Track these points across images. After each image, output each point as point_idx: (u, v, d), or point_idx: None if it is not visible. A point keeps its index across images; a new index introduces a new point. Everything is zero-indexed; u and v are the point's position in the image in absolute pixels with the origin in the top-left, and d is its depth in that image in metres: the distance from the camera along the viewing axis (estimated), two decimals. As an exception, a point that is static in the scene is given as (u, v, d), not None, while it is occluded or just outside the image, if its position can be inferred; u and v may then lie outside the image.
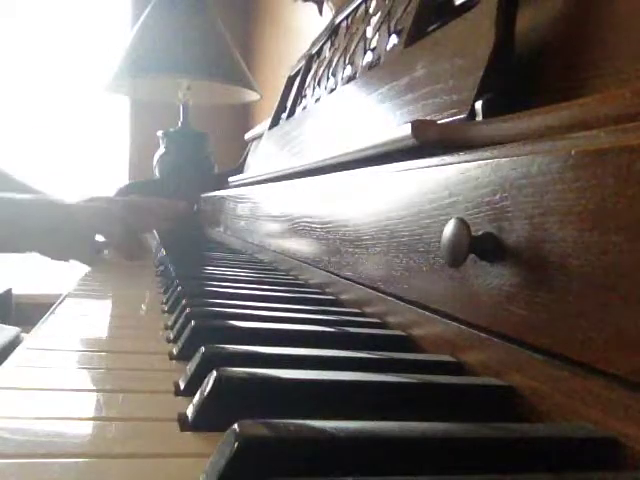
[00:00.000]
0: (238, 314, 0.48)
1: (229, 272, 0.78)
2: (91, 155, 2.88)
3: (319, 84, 0.97)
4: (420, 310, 0.42)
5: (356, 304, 0.55)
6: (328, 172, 0.66)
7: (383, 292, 0.49)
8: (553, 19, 0.45)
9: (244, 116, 2.82)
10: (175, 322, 0.49)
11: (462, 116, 0.44)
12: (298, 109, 1.08)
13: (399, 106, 0.57)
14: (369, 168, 0.54)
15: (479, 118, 0.43)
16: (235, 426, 0.23)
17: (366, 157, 0.55)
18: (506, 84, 0.44)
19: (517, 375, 0.32)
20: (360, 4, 0.85)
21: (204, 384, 0.30)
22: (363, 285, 0.53)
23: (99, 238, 0.98)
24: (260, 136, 1.47)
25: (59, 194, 0.99)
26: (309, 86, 1.04)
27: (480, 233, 0.34)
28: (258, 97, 1.95)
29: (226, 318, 0.46)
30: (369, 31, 0.77)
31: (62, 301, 0.63)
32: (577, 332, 0.27)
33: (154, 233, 1.41)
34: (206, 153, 1.96)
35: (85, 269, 0.94)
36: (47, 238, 0.89)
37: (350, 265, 0.57)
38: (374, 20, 0.76)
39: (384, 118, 0.61)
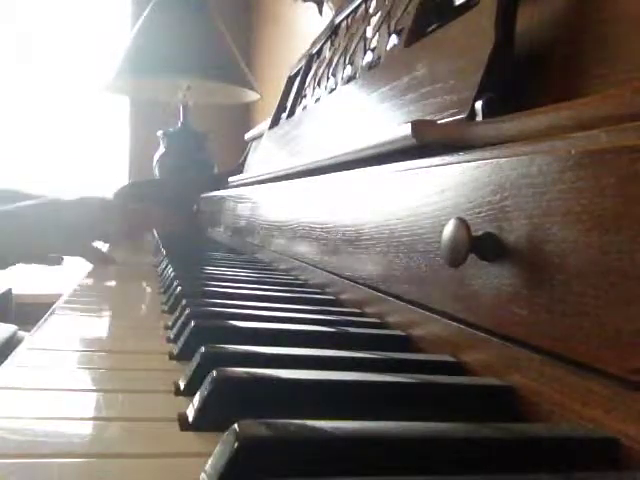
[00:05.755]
0: (238, 314, 0.48)
1: (229, 272, 0.78)
2: (91, 155, 2.88)
3: (319, 84, 0.97)
4: (420, 310, 0.42)
5: (356, 304, 0.55)
6: (328, 172, 0.66)
7: (383, 292, 0.49)
8: (553, 19, 0.45)
9: (244, 116, 2.82)
10: (175, 322, 0.49)
11: (462, 116, 0.44)
12: (298, 109, 1.08)
13: (399, 106, 0.57)
14: (369, 168, 0.54)
15: (479, 118, 0.43)
16: (235, 426, 0.23)
17: (366, 157, 0.55)
18: (506, 84, 0.44)
19: (517, 375, 0.32)
20: (360, 4, 0.85)
21: (204, 384, 0.30)
22: (363, 285, 0.53)
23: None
24: (260, 136, 1.47)
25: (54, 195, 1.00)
26: (309, 86, 1.04)
27: (480, 233, 0.34)
28: (258, 97, 1.95)
29: (226, 318, 0.46)
30: (369, 31, 0.77)
31: (62, 301, 0.63)
32: (577, 332, 0.27)
33: (154, 233, 1.42)
34: (206, 153, 1.96)
35: (85, 270, 0.94)
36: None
37: (350, 265, 0.57)
38: (374, 20, 0.76)
39: (384, 118, 0.61)
